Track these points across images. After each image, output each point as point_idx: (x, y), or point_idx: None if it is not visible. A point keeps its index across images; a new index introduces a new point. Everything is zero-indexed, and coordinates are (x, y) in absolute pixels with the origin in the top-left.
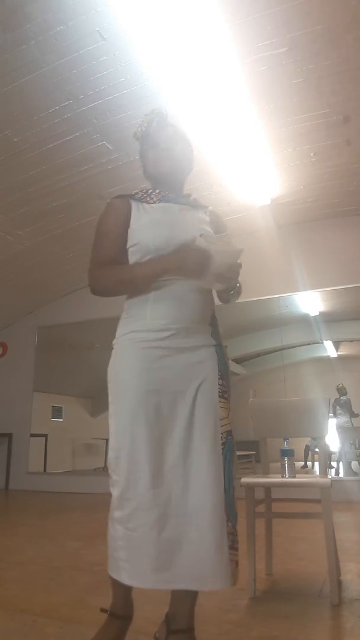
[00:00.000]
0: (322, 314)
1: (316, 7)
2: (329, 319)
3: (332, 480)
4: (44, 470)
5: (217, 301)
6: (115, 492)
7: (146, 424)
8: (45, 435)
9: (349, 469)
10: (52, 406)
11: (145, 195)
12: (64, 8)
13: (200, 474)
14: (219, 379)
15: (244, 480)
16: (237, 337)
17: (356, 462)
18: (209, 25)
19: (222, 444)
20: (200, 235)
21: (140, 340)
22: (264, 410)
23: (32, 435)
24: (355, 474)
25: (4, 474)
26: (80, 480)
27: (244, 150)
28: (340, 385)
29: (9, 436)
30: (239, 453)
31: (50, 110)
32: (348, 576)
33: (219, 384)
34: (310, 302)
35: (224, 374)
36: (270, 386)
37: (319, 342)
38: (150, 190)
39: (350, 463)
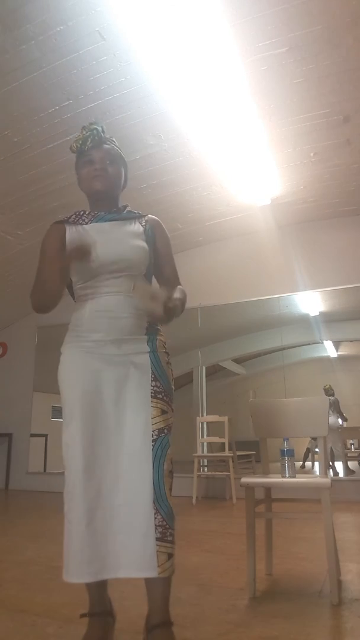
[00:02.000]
0: (322, 314)
1: (316, 7)
2: (329, 319)
3: (332, 480)
4: (44, 470)
5: None
6: (64, 486)
7: (81, 421)
8: (45, 435)
9: (346, 469)
10: (52, 406)
11: (77, 218)
12: (64, 8)
13: (130, 469)
14: (152, 380)
15: (244, 480)
16: (237, 337)
17: (355, 463)
18: (210, 25)
19: (153, 441)
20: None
21: (81, 347)
22: (264, 410)
23: (32, 435)
24: (352, 472)
25: (4, 474)
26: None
27: (244, 150)
28: (327, 385)
29: (9, 436)
30: (239, 453)
31: (50, 110)
32: (348, 576)
33: (152, 385)
34: (310, 302)
35: (158, 376)
36: (270, 386)
37: (319, 342)
38: (82, 212)
39: (347, 463)
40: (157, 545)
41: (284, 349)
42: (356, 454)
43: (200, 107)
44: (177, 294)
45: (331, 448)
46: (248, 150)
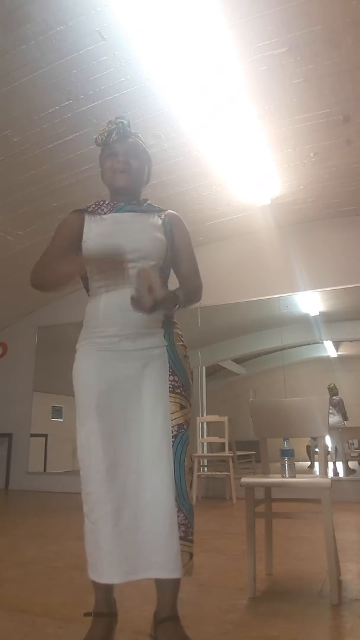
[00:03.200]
0: (322, 314)
1: (316, 7)
2: (329, 319)
3: (332, 480)
4: (44, 470)
5: None
6: (82, 487)
7: (100, 420)
8: (45, 435)
9: (347, 469)
10: (52, 406)
11: (97, 207)
12: (64, 8)
13: (151, 467)
14: (170, 375)
15: (244, 480)
16: (237, 337)
17: (356, 463)
18: (209, 25)
19: (173, 437)
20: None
21: (96, 344)
22: (264, 410)
23: (32, 435)
24: (353, 471)
25: (4, 474)
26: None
27: (244, 150)
28: (332, 385)
29: (9, 436)
30: (239, 453)
31: (50, 110)
32: (348, 576)
33: (170, 380)
34: (310, 302)
35: (176, 370)
36: (270, 386)
37: (319, 342)
38: (102, 202)
39: (347, 462)
40: (180, 544)
41: (284, 349)
42: (356, 454)
43: (200, 107)
44: (180, 296)
45: (335, 447)
46: (248, 150)
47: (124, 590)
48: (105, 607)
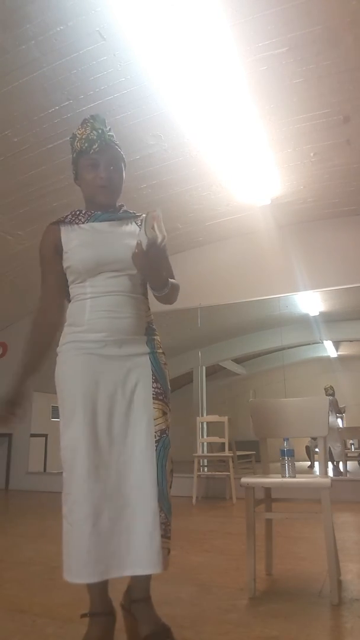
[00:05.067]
0: (322, 314)
1: (316, 7)
2: (329, 319)
3: (332, 480)
4: (44, 470)
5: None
6: (63, 488)
7: (84, 423)
8: (45, 435)
9: (336, 469)
10: (52, 406)
11: (74, 217)
12: (63, 8)
13: (134, 469)
14: (153, 382)
15: (244, 480)
16: (237, 337)
17: (356, 462)
18: (210, 25)
19: (156, 441)
20: (139, 242)
21: (80, 348)
22: (264, 410)
23: (32, 435)
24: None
25: (4, 474)
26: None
27: (244, 150)
28: (328, 386)
29: (9, 436)
30: (239, 453)
31: (50, 110)
32: (348, 576)
33: (153, 387)
34: (310, 302)
35: (159, 377)
36: (270, 386)
37: (319, 342)
38: (78, 212)
39: (339, 463)
40: (162, 542)
41: (284, 349)
42: (356, 454)
43: (200, 107)
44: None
45: (329, 448)
46: (248, 150)
47: (122, 590)
48: (100, 606)
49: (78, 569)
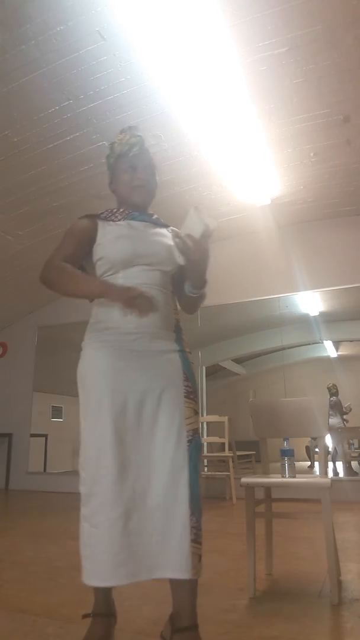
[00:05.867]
0: (322, 314)
1: (316, 7)
2: (329, 319)
3: (332, 480)
4: (44, 470)
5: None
6: (83, 489)
7: (112, 422)
8: (45, 435)
9: (348, 469)
10: (52, 406)
11: (110, 214)
12: (64, 8)
13: (164, 470)
14: (184, 380)
15: (244, 480)
16: (237, 337)
17: (356, 462)
18: (209, 25)
19: (188, 441)
20: (195, 208)
21: (107, 342)
22: (264, 410)
23: (32, 435)
24: (355, 473)
25: (4, 474)
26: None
27: (244, 150)
28: (331, 384)
29: (9, 436)
30: (239, 453)
31: (50, 110)
32: (348, 576)
33: (184, 385)
34: (310, 302)
35: (189, 376)
36: (270, 386)
37: (319, 342)
38: (115, 210)
39: (349, 463)
40: (191, 546)
41: (284, 349)
42: (356, 454)
43: (200, 107)
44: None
45: (335, 448)
46: (248, 150)
47: (124, 590)
48: (104, 607)
49: (108, 572)
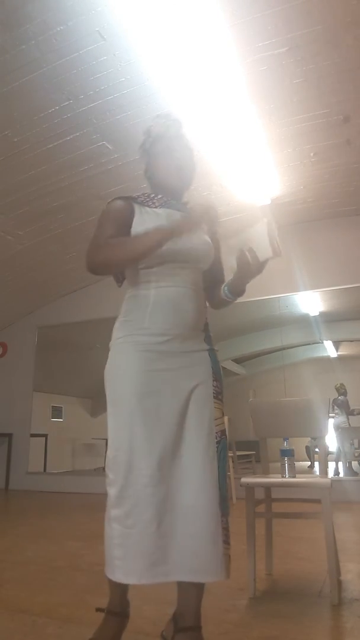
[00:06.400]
0: (322, 314)
1: (316, 7)
2: (329, 319)
3: (332, 480)
4: (44, 470)
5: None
6: (112, 490)
7: (144, 423)
8: (45, 435)
9: (348, 469)
10: (52, 406)
11: (147, 199)
12: (64, 8)
13: (196, 471)
14: (213, 380)
15: (244, 480)
16: (237, 337)
17: (356, 462)
18: (209, 25)
19: (217, 442)
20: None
21: (138, 343)
22: (264, 410)
23: (32, 435)
24: (355, 473)
25: (4, 474)
26: (80, 480)
27: (244, 150)
28: (339, 384)
29: (9, 436)
30: (239, 453)
31: (50, 110)
32: (348, 576)
33: (213, 386)
34: (310, 302)
35: (217, 375)
36: (270, 386)
37: (319, 342)
38: (153, 195)
39: (350, 463)
40: (224, 547)
41: (284, 349)
42: (357, 454)
43: (200, 107)
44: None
45: (338, 447)
46: (248, 150)
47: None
48: (118, 606)
49: (142, 571)
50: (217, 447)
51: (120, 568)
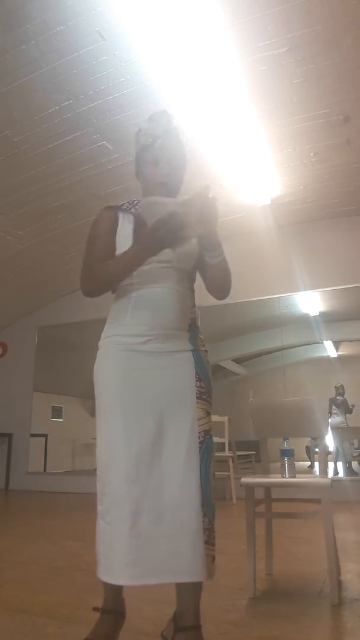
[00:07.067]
0: (322, 314)
1: (316, 7)
2: (329, 319)
3: (332, 480)
4: (44, 470)
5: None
6: (98, 486)
7: (123, 421)
8: (45, 435)
9: (348, 469)
10: (52, 406)
11: (131, 206)
12: (64, 8)
13: (176, 471)
14: (196, 380)
15: (244, 480)
16: (237, 337)
17: (356, 462)
18: (209, 25)
19: (200, 442)
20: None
21: (120, 343)
22: (264, 410)
23: (32, 435)
24: (355, 473)
25: (4, 474)
26: (80, 480)
27: (244, 150)
28: (339, 384)
29: (9, 436)
30: (239, 453)
31: (50, 110)
32: (348, 576)
33: (196, 386)
34: (310, 302)
35: (202, 376)
36: (270, 386)
37: (319, 342)
38: (135, 201)
39: (350, 463)
40: (205, 548)
41: (284, 349)
42: (357, 454)
43: (200, 107)
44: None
45: (336, 447)
46: (248, 150)
47: (124, 590)
48: (112, 604)
49: (118, 570)
50: (200, 447)
51: (102, 565)
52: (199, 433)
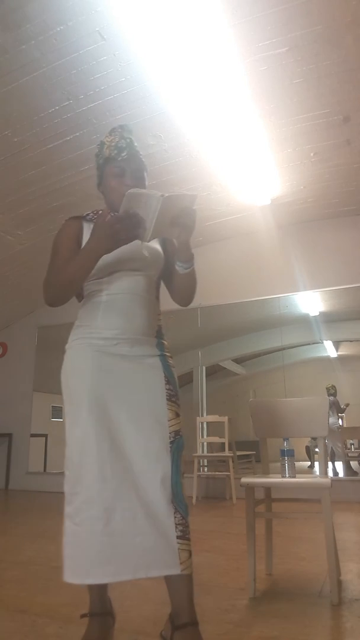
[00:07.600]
0: (322, 314)
1: (316, 7)
2: (329, 319)
3: (332, 480)
4: (44, 470)
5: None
6: (66, 487)
7: (94, 422)
8: (45, 435)
9: (348, 469)
10: (52, 406)
11: (95, 216)
12: (64, 8)
13: (148, 469)
14: (166, 383)
15: (244, 480)
16: (237, 337)
17: (356, 462)
18: (210, 25)
19: (170, 442)
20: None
21: (89, 345)
22: (264, 410)
23: (32, 435)
24: (355, 473)
25: (4, 474)
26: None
27: (244, 150)
28: (330, 385)
29: (9, 436)
30: (239, 453)
31: (50, 110)
32: (348, 576)
33: (166, 389)
34: (310, 302)
35: (170, 379)
36: (270, 386)
37: (319, 342)
38: (100, 212)
39: (349, 463)
40: (178, 543)
41: (284, 349)
42: (356, 454)
43: (200, 107)
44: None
45: (331, 448)
46: (248, 150)
47: (124, 590)
48: (99, 607)
49: (88, 570)
50: (171, 447)
51: (69, 567)
52: (170, 433)
